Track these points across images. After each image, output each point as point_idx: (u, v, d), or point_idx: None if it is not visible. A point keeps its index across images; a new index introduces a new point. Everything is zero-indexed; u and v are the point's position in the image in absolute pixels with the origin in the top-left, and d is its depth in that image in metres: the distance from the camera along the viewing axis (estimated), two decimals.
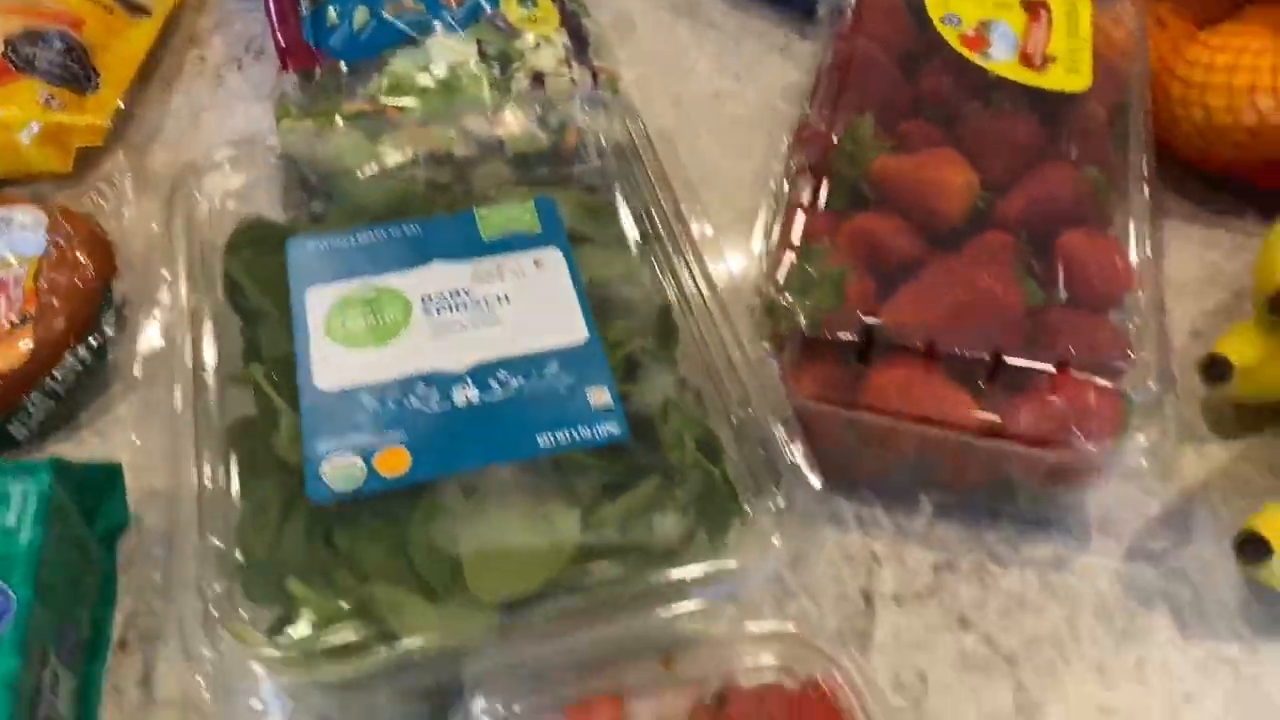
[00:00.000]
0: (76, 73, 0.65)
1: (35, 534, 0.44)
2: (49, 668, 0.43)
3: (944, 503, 0.54)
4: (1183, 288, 0.63)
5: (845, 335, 0.47)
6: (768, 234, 0.53)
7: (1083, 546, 0.53)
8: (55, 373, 0.54)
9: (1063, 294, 0.51)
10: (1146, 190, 0.55)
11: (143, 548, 0.52)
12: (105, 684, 0.48)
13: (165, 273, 0.49)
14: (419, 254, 0.49)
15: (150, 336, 0.57)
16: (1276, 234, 0.54)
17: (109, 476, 0.50)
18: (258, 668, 0.39)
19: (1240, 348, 0.53)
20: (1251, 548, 0.46)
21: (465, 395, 0.45)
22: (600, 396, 0.45)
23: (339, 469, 0.43)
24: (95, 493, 0.50)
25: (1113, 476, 0.50)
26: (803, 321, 0.48)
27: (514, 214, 0.51)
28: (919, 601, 0.51)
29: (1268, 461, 0.55)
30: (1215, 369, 0.53)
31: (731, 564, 0.41)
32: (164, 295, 0.50)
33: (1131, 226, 0.53)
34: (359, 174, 0.53)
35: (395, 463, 0.43)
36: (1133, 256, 0.52)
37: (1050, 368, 0.46)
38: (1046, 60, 0.58)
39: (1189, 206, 0.67)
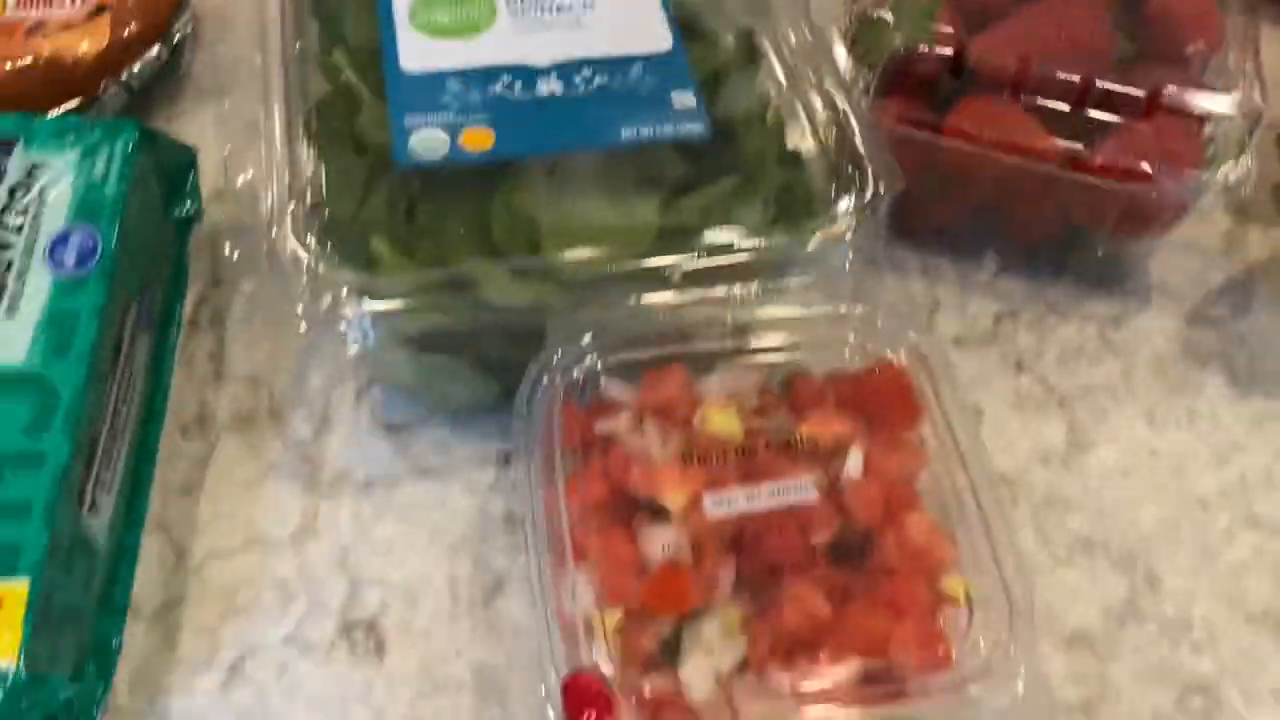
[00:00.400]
0: None
1: (121, 185, 0.44)
2: (130, 320, 0.44)
3: (1009, 260, 0.54)
4: (1274, 83, 0.62)
5: (941, 51, 0.46)
6: None
7: (1143, 307, 0.53)
8: (132, 66, 0.54)
9: (1151, 51, 0.50)
10: None
11: (212, 239, 0.52)
12: (177, 356, 0.49)
13: None
14: None
15: (228, 43, 0.57)
16: None
17: (183, 163, 0.51)
18: (347, 309, 0.39)
19: None
20: None
21: (549, 87, 0.45)
22: (685, 99, 0.45)
23: (425, 140, 0.43)
24: (171, 177, 0.50)
25: (1187, 221, 0.50)
26: (896, 42, 0.47)
27: None
28: (979, 345, 0.51)
29: None
30: None
31: (806, 252, 0.42)
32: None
33: None
34: None
35: (480, 140, 0.43)
36: (1224, 18, 0.51)
37: (1140, 93, 0.45)
38: None
39: None
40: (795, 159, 0.45)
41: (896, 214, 0.52)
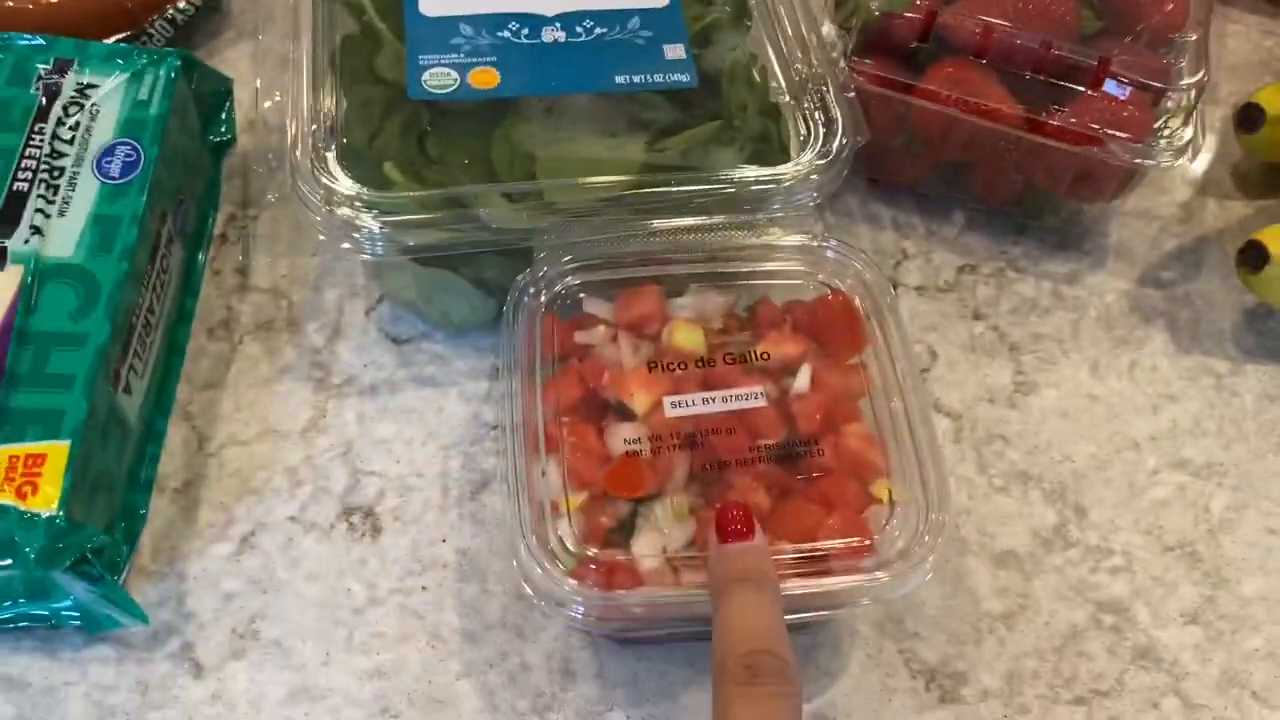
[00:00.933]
0: None
1: (162, 107, 0.49)
2: (166, 228, 0.49)
3: (976, 218, 0.58)
4: (1234, 69, 0.66)
5: (913, 17, 0.50)
6: None
7: (1097, 267, 0.57)
8: (178, 2, 0.58)
9: (1115, 28, 0.54)
10: None
11: (243, 165, 0.57)
12: (207, 267, 0.54)
13: None
14: None
15: None
16: None
17: (221, 92, 0.56)
18: (361, 220, 0.44)
19: (1275, 98, 0.56)
20: (1253, 254, 0.50)
21: (553, 35, 0.49)
22: (676, 51, 0.50)
23: (436, 77, 0.48)
24: (209, 104, 0.55)
25: (1134, 191, 0.54)
26: (873, 6, 0.51)
27: None
28: (939, 293, 0.56)
29: None
30: (1248, 115, 0.56)
31: (776, 190, 0.46)
32: None
33: None
34: None
35: (486, 79, 0.48)
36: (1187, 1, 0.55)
37: (1092, 62, 0.49)
38: None
39: None
40: (774, 110, 0.49)
41: (872, 169, 0.56)
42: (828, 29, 0.53)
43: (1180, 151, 0.50)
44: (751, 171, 0.46)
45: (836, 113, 0.48)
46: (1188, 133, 0.50)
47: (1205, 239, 0.58)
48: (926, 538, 0.39)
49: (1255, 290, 0.52)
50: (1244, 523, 0.49)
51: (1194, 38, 0.52)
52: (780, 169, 0.46)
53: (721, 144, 0.47)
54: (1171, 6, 0.54)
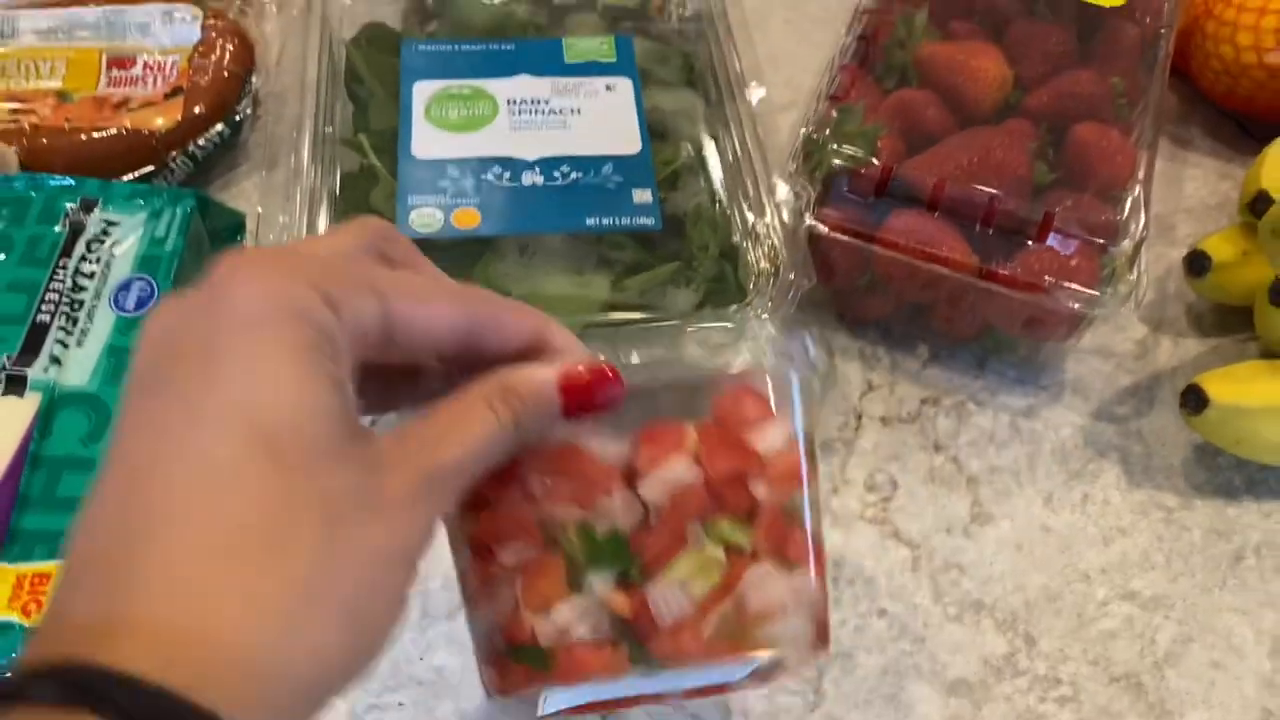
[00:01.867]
0: None
1: (178, 244, 0.54)
2: None
3: (938, 350, 0.61)
4: (1190, 211, 0.69)
5: (868, 173, 0.54)
6: (818, 100, 0.61)
7: (1054, 401, 0.60)
8: (198, 140, 0.63)
9: (1068, 179, 0.57)
10: (1158, 106, 0.61)
11: None
12: None
13: (297, 56, 0.58)
14: (510, 66, 0.58)
15: (281, 122, 0.66)
16: (1273, 147, 0.60)
17: (233, 225, 0.60)
18: None
19: (1220, 246, 0.59)
20: (1194, 398, 0.53)
21: (532, 179, 0.54)
22: (644, 196, 0.54)
23: (423, 216, 0.52)
24: (222, 236, 0.59)
25: (1085, 333, 0.57)
26: (835, 162, 0.55)
27: (595, 46, 0.59)
28: (901, 425, 0.59)
29: (1234, 357, 0.62)
30: (1196, 262, 0.59)
31: (729, 326, 0.50)
32: (292, 82, 0.59)
33: (1140, 131, 0.60)
34: (469, 2, 0.62)
35: (468, 219, 0.52)
36: (1137, 155, 0.58)
37: (1036, 218, 0.53)
38: None
39: (1211, 143, 0.73)
40: (733, 252, 0.53)
41: (839, 306, 0.60)
42: (789, 177, 0.56)
43: (1124, 299, 0.53)
44: (703, 320, 0.50)
45: (783, 256, 0.52)
46: (1131, 280, 0.53)
47: (1159, 376, 0.61)
48: None
49: (1199, 431, 0.55)
50: (1189, 655, 0.51)
51: (1137, 191, 0.55)
52: (731, 313, 0.50)
53: (678, 285, 0.51)
54: (1120, 159, 0.58)
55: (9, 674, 0.24)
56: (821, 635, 0.38)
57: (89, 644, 0.24)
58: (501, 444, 0.31)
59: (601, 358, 0.34)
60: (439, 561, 0.52)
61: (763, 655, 0.37)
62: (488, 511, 0.34)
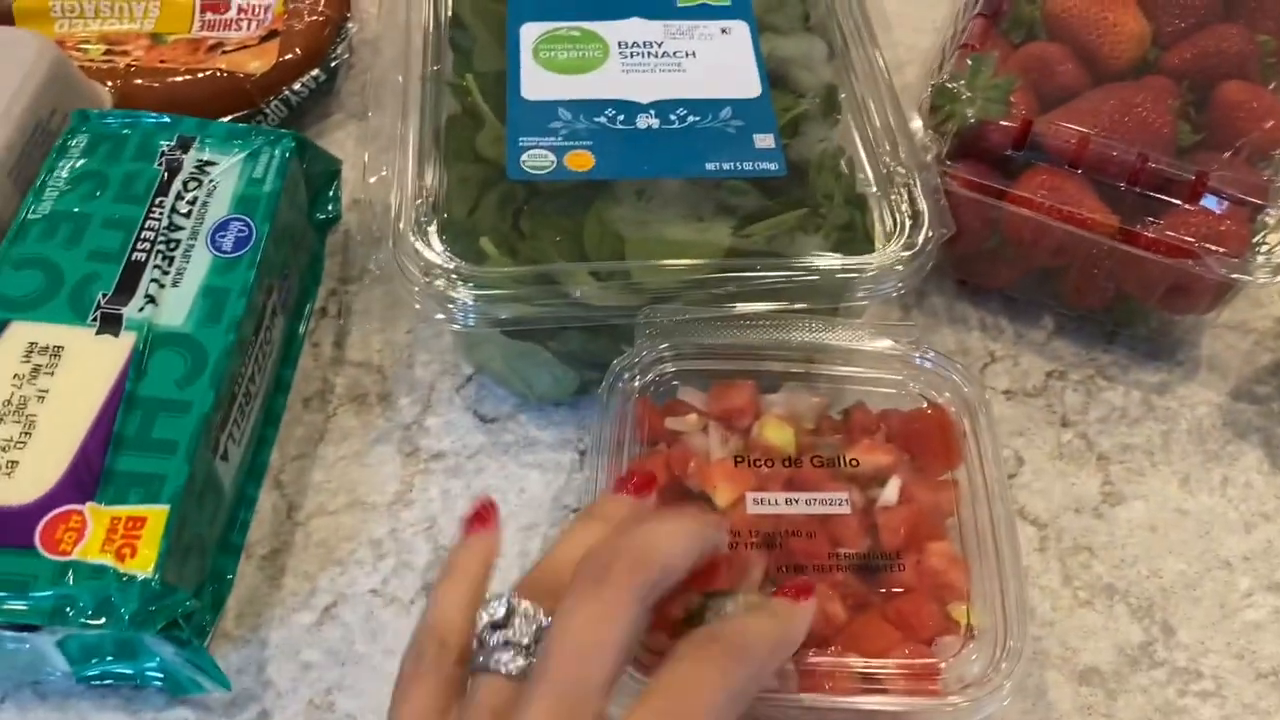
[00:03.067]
0: None
1: (275, 185, 0.51)
2: (271, 301, 0.51)
3: (1064, 322, 0.58)
4: None
5: (1009, 124, 0.51)
6: (943, 54, 0.57)
7: (1189, 378, 0.56)
8: (293, 85, 0.61)
9: (1213, 141, 0.54)
10: None
11: (345, 242, 0.59)
12: (307, 339, 0.55)
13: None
14: (621, 9, 0.56)
15: (377, 69, 0.64)
16: None
17: (329, 171, 0.58)
18: (455, 292, 0.45)
19: None
20: None
21: (647, 121, 0.51)
22: (765, 141, 0.51)
23: (535, 158, 0.49)
24: (318, 182, 0.57)
25: (1226, 306, 0.53)
26: (969, 113, 0.52)
27: None
28: (1027, 398, 0.55)
29: None
30: None
31: (861, 279, 0.47)
32: (391, 28, 0.57)
33: None
34: None
35: (581, 162, 0.49)
36: None
37: (1189, 176, 0.49)
38: None
39: None
40: (860, 201, 0.50)
41: (961, 271, 0.57)
42: (919, 128, 0.53)
43: (1277, 269, 0.49)
44: (836, 260, 0.47)
45: (923, 205, 0.49)
46: None
47: None
48: (1003, 665, 0.38)
49: None
50: None
51: None
52: (865, 258, 0.47)
53: (806, 231, 0.48)
54: (1272, 123, 0.54)
55: None
56: None
57: None
58: None
59: None
60: (538, 519, 0.49)
61: None
62: None
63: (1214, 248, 0.49)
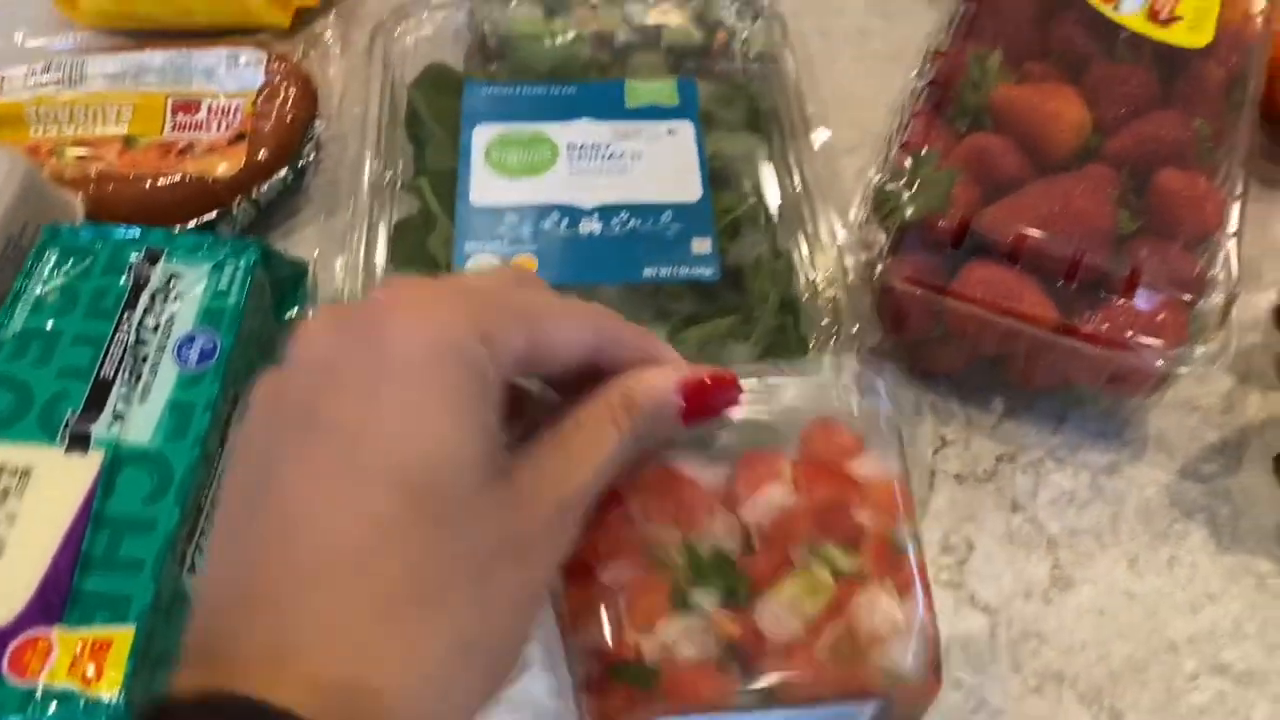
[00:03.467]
0: None
1: (240, 297, 0.53)
2: (237, 409, 0.52)
3: (1015, 404, 0.59)
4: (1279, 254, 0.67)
5: (944, 225, 0.52)
6: (888, 146, 0.59)
7: (1137, 458, 0.57)
8: (261, 186, 0.63)
9: (1152, 227, 0.55)
10: (1246, 148, 0.59)
11: None
12: None
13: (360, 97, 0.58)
14: (571, 110, 0.57)
15: (343, 166, 0.66)
16: None
17: (296, 274, 0.59)
18: None
19: None
20: None
21: (590, 227, 0.53)
22: (703, 246, 0.53)
23: (480, 265, 0.51)
24: (284, 286, 0.59)
25: (1169, 389, 0.54)
26: (908, 211, 0.53)
27: (658, 89, 0.58)
28: (977, 482, 0.57)
29: None
30: None
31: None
32: (354, 126, 0.59)
33: (1227, 177, 0.57)
34: (531, 43, 0.61)
35: (525, 267, 0.51)
36: (1225, 203, 0.56)
37: (1122, 272, 0.51)
38: (1173, 18, 0.62)
39: None
40: (793, 305, 0.52)
41: (910, 358, 0.58)
42: (856, 226, 0.55)
43: (1214, 356, 0.51)
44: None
45: (850, 314, 0.50)
46: (1221, 336, 0.51)
47: (1247, 431, 0.59)
48: None
49: None
50: None
51: (1228, 243, 0.53)
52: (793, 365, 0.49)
53: (737, 339, 0.50)
54: (1208, 207, 0.55)
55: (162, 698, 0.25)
56: (935, 672, 0.37)
57: (251, 681, 0.25)
58: (622, 457, 0.32)
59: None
60: None
61: (876, 686, 0.37)
62: (585, 532, 0.33)
63: (1150, 341, 0.51)
